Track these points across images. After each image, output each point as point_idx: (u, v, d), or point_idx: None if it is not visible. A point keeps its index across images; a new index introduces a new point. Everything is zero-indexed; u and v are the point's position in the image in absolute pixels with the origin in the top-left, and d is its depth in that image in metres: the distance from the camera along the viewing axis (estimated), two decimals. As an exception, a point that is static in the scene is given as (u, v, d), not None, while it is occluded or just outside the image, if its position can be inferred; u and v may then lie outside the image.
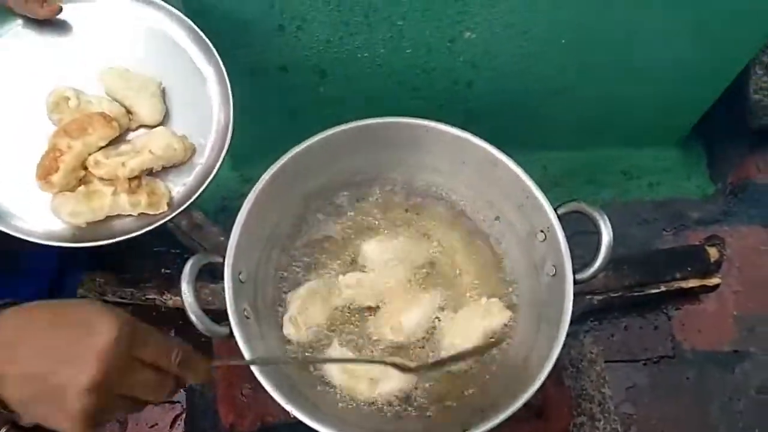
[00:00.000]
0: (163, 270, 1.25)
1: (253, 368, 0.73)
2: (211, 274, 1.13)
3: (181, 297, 0.74)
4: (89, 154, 0.81)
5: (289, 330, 0.86)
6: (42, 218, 0.81)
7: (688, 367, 1.27)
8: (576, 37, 1.08)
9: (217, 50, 0.88)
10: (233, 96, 0.87)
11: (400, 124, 0.91)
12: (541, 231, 0.87)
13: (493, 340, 0.85)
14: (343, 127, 0.90)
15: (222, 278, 0.97)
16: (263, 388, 0.74)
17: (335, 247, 0.95)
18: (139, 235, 0.81)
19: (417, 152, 0.94)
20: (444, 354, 0.86)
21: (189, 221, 1.20)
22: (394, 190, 0.99)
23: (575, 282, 0.81)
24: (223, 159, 0.84)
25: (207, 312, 0.76)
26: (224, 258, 0.80)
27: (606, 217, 0.80)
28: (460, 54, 1.10)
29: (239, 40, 1.02)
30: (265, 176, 0.86)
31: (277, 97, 1.16)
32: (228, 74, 0.87)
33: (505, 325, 0.88)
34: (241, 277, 0.82)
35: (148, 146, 0.82)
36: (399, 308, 0.88)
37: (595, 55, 1.13)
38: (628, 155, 1.45)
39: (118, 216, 0.82)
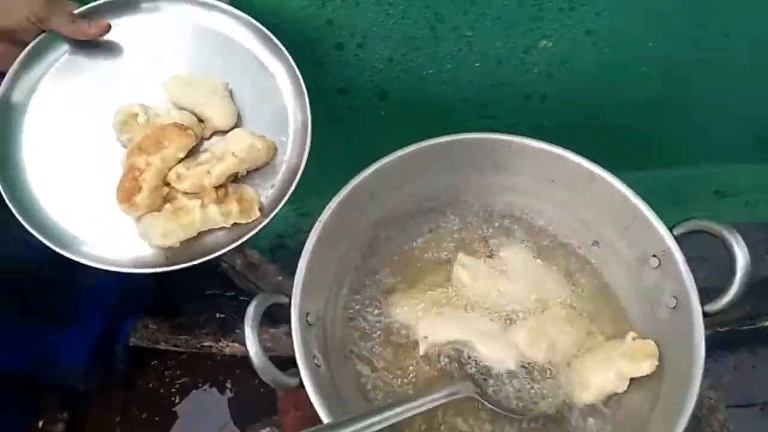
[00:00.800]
0: (217, 315, 1.16)
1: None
2: (269, 317, 1.05)
3: (245, 344, 0.64)
4: (169, 169, 0.75)
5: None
6: (126, 246, 0.75)
7: (814, 410, 1.10)
8: (665, 40, 0.97)
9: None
10: (307, 89, 0.80)
11: (478, 140, 0.81)
12: (654, 256, 0.74)
13: None
14: (416, 146, 0.81)
15: (283, 321, 0.87)
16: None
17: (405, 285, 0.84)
18: (236, 248, 0.74)
19: (495, 172, 0.84)
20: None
21: (243, 260, 1.12)
22: (472, 216, 0.88)
23: (705, 315, 0.67)
24: (308, 154, 0.77)
25: (268, 360, 0.66)
26: (290, 298, 0.70)
27: (739, 237, 0.67)
28: (534, 65, 1.00)
29: (295, 62, 0.94)
30: (332, 204, 0.76)
31: (336, 122, 1.08)
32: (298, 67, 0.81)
33: (647, 376, 0.72)
34: (309, 319, 0.72)
35: (230, 149, 0.75)
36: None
37: (686, 61, 1.02)
38: (720, 172, 1.31)
39: (210, 231, 0.76)
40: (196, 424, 1.06)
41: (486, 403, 0.72)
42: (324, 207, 0.77)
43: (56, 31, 0.77)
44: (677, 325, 0.70)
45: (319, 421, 0.64)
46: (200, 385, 1.09)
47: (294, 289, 0.71)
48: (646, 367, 0.72)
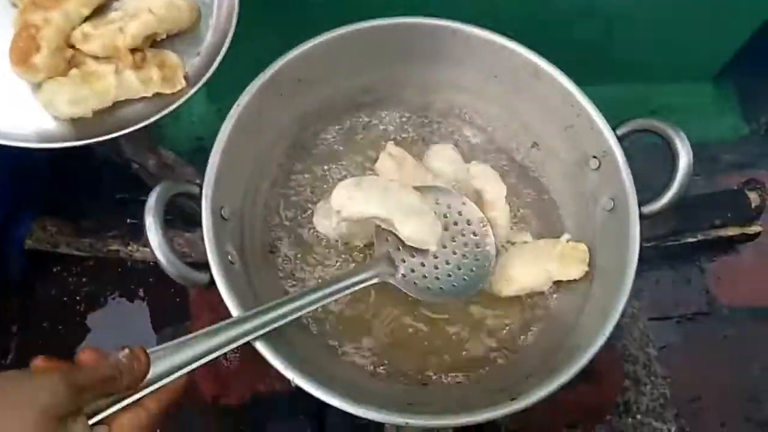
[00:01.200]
0: (128, 220, 1.06)
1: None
2: (185, 220, 0.96)
3: (146, 235, 0.56)
4: (73, 28, 0.66)
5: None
6: (26, 118, 0.65)
7: (726, 324, 1.15)
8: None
9: None
10: None
11: (418, 25, 0.74)
12: (594, 157, 0.71)
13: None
14: (346, 29, 0.73)
15: (200, 224, 0.80)
16: (251, 353, 0.57)
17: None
18: (158, 120, 0.66)
19: (437, 64, 0.77)
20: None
21: (158, 161, 1.02)
22: (409, 113, 0.81)
23: (642, 217, 0.65)
24: (237, 19, 0.70)
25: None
26: (201, 188, 0.63)
27: (683, 134, 0.65)
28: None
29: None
30: (251, 88, 0.68)
31: (264, 12, 0.97)
32: None
33: (575, 280, 0.71)
34: (223, 213, 0.65)
35: (145, 6, 0.67)
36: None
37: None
38: (657, 92, 1.30)
39: (126, 102, 0.67)
40: (103, 333, 0.98)
41: (402, 288, 0.65)
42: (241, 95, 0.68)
43: None
44: (613, 227, 0.68)
45: (234, 321, 0.58)
46: (108, 292, 1.00)
47: (206, 179, 0.64)
48: (574, 272, 0.71)
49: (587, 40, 1.13)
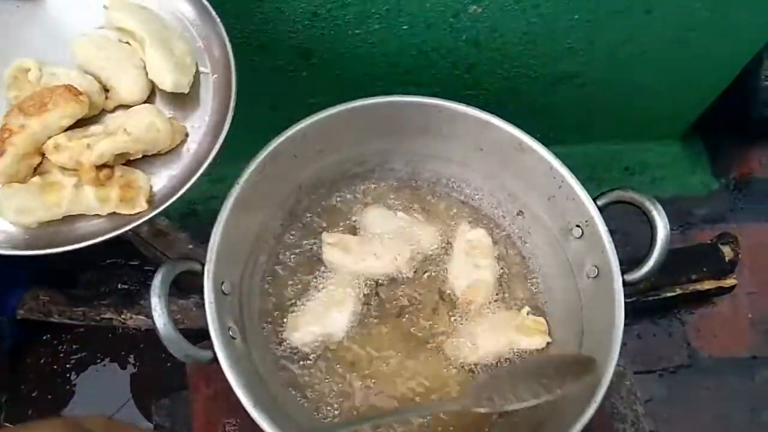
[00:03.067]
0: (119, 285, 1.07)
1: (246, 403, 0.58)
2: (177, 287, 0.97)
3: (151, 316, 0.58)
4: (49, 137, 0.65)
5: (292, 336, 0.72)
6: None
7: (707, 376, 1.18)
8: (588, 13, 0.97)
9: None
10: (235, 59, 0.71)
11: (407, 103, 0.78)
12: (577, 226, 0.75)
13: None
14: (343, 107, 0.76)
15: (193, 292, 0.81)
16: (253, 426, 0.58)
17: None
18: (108, 240, 0.63)
19: (425, 138, 0.81)
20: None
21: (150, 227, 1.03)
22: (399, 183, 0.85)
23: (625, 284, 0.68)
24: (221, 146, 0.67)
25: (178, 333, 0.60)
26: (204, 265, 0.65)
27: (660, 207, 0.69)
28: (462, 32, 0.98)
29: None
30: (252, 165, 0.71)
31: (255, 84, 1.01)
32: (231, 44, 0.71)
33: (537, 350, 0.75)
34: (224, 288, 0.66)
35: (124, 125, 0.65)
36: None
37: (605, 35, 1.03)
38: (631, 149, 1.37)
39: (83, 216, 0.65)
40: (94, 402, 0.97)
41: None
42: (240, 173, 0.71)
43: None
44: (598, 293, 0.71)
45: (233, 396, 0.59)
46: (99, 360, 1.00)
47: (208, 256, 0.65)
48: (536, 342, 0.76)
49: (563, 103, 1.19)
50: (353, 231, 0.82)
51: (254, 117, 1.04)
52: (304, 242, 0.81)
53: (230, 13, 0.88)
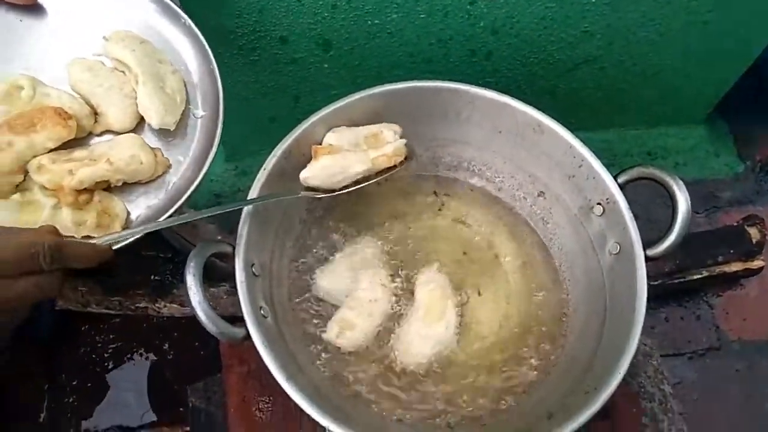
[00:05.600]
0: (153, 277, 1.10)
1: (279, 378, 0.60)
2: (208, 276, 1.01)
3: (187, 298, 0.60)
4: (34, 156, 0.66)
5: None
6: None
7: (736, 358, 1.17)
8: (606, -4, 0.98)
9: (206, 38, 0.75)
10: (224, 98, 0.73)
11: (426, 89, 0.80)
12: (599, 204, 0.75)
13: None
14: (361, 94, 0.78)
15: (224, 280, 0.84)
16: (285, 402, 0.61)
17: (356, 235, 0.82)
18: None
19: (444, 122, 0.83)
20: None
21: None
22: (419, 171, 0.86)
23: (647, 259, 0.69)
24: (201, 180, 0.69)
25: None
26: (234, 247, 0.67)
27: (681, 182, 0.69)
28: (480, 19, 0.99)
29: (230, 8, 0.89)
30: (277, 151, 0.74)
31: (277, 75, 1.03)
32: (220, 74, 0.73)
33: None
34: (254, 270, 0.69)
35: (108, 155, 0.67)
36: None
37: (622, 18, 1.03)
38: (652, 134, 1.35)
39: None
40: (130, 390, 1.01)
41: None
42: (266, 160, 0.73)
43: None
44: (620, 269, 0.72)
45: (266, 373, 0.62)
46: (135, 348, 1.04)
47: (238, 239, 0.68)
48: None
49: (582, 88, 1.19)
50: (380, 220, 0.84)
51: (278, 109, 1.07)
52: (329, 224, 0.83)
53: (253, 7, 0.91)
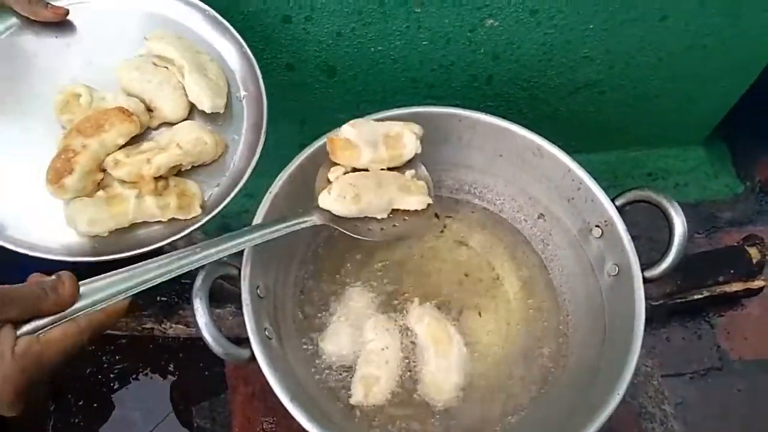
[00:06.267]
0: (158, 298, 1.12)
1: (283, 399, 0.61)
2: (213, 298, 1.02)
3: (193, 320, 0.62)
4: (107, 155, 0.71)
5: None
6: (55, 232, 0.70)
7: (738, 378, 1.17)
8: (603, 23, 1.00)
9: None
10: (265, 85, 0.78)
11: (428, 114, 0.82)
12: (597, 226, 0.77)
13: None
14: (365, 119, 0.80)
15: (229, 302, 0.85)
16: (289, 423, 0.62)
17: (361, 257, 0.84)
18: (169, 244, 0.70)
19: (447, 146, 0.84)
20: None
21: (186, 242, 1.08)
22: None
23: (645, 281, 0.70)
24: (260, 155, 0.74)
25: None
26: (239, 270, 0.69)
27: (677, 205, 0.71)
28: (480, 45, 1.01)
29: (241, 36, 0.92)
30: (283, 175, 0.76)
31: (283, 101, 1.06)
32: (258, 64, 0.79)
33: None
34: (259, 291, 0.70)
35: (175, 140, 0.72)
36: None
37: (621, 43, 1.05)
38: (652, 156, 1.37)
39: (144, 224, 0.71)
40: (136, 410, 1.02)
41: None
42: (272, 184, 0.75)
43: (7, 5, 0.73)
44: (619, 290, 0.73)
45: (271, 394, 0.63)
46: (140, 369, 1.05)
47: (244, 261, 0.69)
48: (416, 202, 0.75)
49: (583, 112, 1.21)
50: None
51: (284, 133, 1.09)
52: (331, 250, 0.85)
53: (259, 36, 0.93)
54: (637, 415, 0.90)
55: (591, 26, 1.00)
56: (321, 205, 0.71)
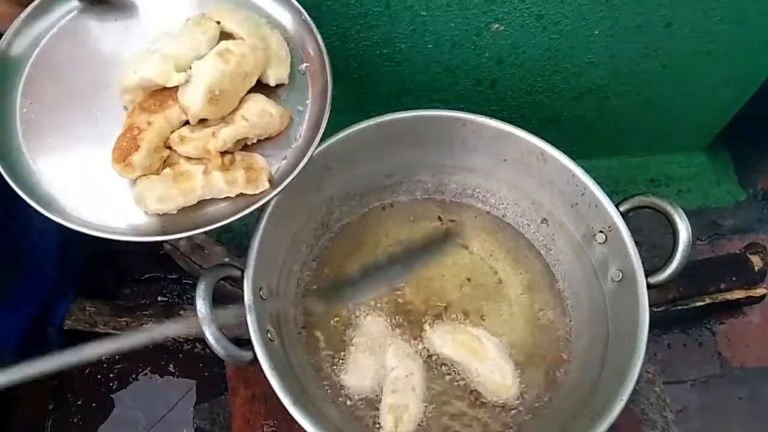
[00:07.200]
0: (159, 298, 1.12)
1: (285, 401, 0.61)
2: (215, 297, 1.02)
3: (197, 316, 0.62)
4: (172, 131, 0.70)
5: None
6: (123, 212, 0.68)
7: (739, 386, 1.17)
8: (608, 29, 1.00)
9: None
10: (329, 56, 0.75)
11: (432, 117, 0.82)
12: (601, 231, 0.77)
13: None
14: (369, 122, 0.80)
15: (231, 302, 0.85)
16: (289, 426, 0.62)
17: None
18: (239, 219, 0.67)
19: (450, 150, 0.84)
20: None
21: (188, 241, 1.08)
22: (425, 196, 0.88)
23: (649, 287, 0.70)
24: (325, 127, 0.72)
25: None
26: (243, 271, 0.69)
27: (681, 211, 0.70)
28: (485, 49, 1.01)
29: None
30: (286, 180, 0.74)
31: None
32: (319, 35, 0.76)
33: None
34: (262, 293, 0.70)
35: (240, 113, 0.70)
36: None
37: (625, 49, 1.05)
38: (655, 162, 1.37)
39: (211, 201, 0.70)
40: (136, 410, 1.01)
41: None
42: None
43: None
44: (623, 297, 0.73)
45: (272, 396, 0.63)
46: (141, 369, 1.05)
47: (247, 262, 0.69)
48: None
49: (586, 117, 1.21)
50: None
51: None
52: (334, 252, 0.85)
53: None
54: (639, 422, 0.90)
55: (596, 32, 1.00)
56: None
